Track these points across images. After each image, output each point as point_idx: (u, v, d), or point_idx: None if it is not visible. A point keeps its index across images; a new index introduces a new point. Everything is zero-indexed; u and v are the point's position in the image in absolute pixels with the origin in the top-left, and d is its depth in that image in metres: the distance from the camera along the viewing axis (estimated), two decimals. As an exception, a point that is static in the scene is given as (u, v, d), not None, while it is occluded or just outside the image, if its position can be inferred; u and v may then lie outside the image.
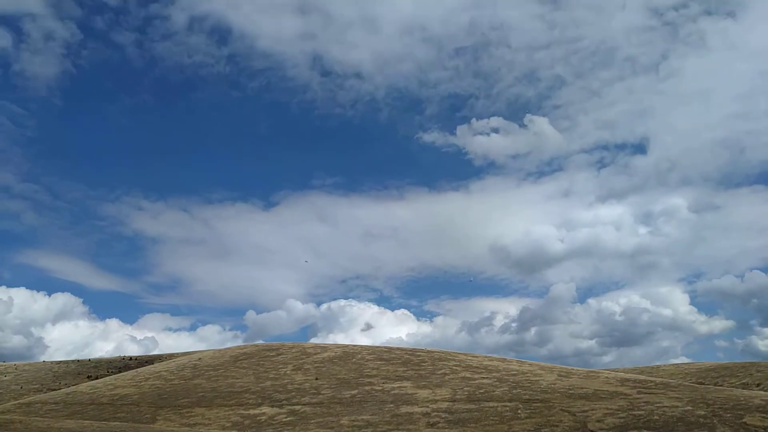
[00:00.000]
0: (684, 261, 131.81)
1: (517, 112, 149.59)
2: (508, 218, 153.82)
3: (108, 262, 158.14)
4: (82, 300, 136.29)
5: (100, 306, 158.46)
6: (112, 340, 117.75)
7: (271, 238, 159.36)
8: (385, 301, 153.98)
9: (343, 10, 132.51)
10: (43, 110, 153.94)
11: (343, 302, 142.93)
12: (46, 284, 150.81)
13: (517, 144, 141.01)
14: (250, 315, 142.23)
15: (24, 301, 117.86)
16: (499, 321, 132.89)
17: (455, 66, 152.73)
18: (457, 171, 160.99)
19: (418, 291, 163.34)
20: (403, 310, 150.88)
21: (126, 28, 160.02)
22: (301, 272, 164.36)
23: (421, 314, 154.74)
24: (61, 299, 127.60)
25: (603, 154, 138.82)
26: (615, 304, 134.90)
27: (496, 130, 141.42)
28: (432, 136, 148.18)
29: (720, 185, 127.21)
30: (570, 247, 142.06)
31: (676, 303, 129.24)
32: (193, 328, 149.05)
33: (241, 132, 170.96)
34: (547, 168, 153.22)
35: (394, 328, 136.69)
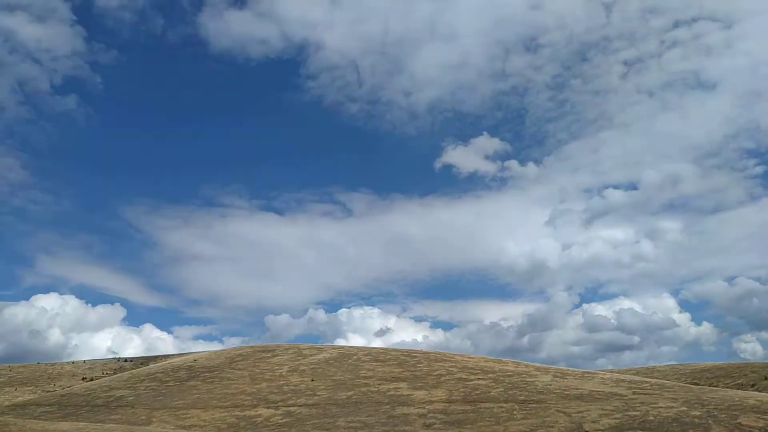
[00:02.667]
0: (677, 273, 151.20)
1: (526, 163, 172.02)
2: (517, 234, 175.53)
3: (157, 282, 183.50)
4: (126, 311, 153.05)
5: (140, 317, 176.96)
6: (147, 343, 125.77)
7: (306, 256, 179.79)
8: (404, 311, 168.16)
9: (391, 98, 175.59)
10: (136, 171, 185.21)
11: (360, 309, 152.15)
12: (100, 299, 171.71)
13: (524, 173, 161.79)
14: (270, 318, 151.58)
15: (73, 310, 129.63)
16: (502, 326, 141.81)
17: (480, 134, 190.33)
18: (470, 188, 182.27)
19: (434, 295, 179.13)
20: (420, 321, 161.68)
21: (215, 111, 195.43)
22: (328, 289, 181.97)
23: (436, 324, 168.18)
24: (108, 310, 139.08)
25: (601, 190, 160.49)
26: (609, 311, 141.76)
27: (508, 167, 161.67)
28: (448, 156, 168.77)
29: (708, 213, 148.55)
30: (571, 260, 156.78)
31: (667, 311, 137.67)
32: (220, 338, 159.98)
33: (295, 170, 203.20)
34: (550, 201, 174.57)
35: (411, 335, 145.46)
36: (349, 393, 29.23)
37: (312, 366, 36.90)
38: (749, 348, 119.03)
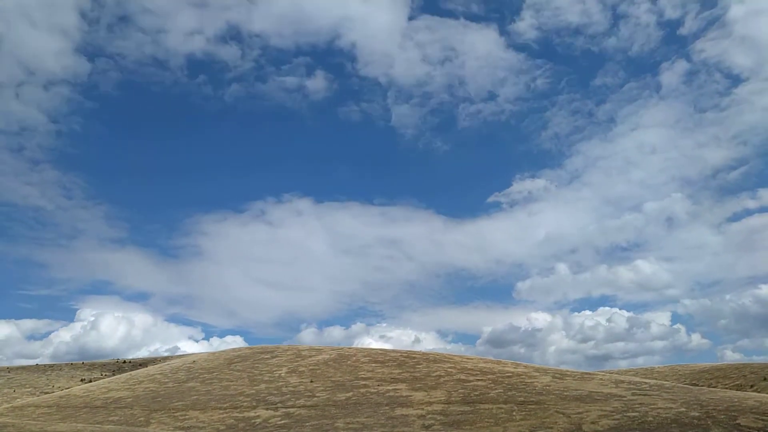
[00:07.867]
0: (669, 285, 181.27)
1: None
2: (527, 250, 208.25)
3: (231, 307, 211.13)
4: (204, 334, 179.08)
5: (212, 335, 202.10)
6: (215, 345, 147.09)
7: (355, 278, 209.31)
8: (435, 330, 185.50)
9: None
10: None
11: (394, 323, 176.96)
12: (185, 323, 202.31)
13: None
14: (311, 328, 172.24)
15: (156, 327, 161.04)
16: (511, 330, 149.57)
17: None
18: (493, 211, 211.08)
19: (450, 302, 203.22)
20: (442, 332, 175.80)
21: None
22: (358, 313, 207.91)
23: (443, 334, 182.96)
24: (187, 330, 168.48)
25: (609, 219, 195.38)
26: (603, 319, 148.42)
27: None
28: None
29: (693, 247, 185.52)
30: (572, 274, 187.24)
31: (660, 320, 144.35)
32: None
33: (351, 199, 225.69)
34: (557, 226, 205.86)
35: (431, 345, 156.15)
36: (348, 394, 29.22)
37: (311, 367, 36.89)
38: (734, 357, 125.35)
